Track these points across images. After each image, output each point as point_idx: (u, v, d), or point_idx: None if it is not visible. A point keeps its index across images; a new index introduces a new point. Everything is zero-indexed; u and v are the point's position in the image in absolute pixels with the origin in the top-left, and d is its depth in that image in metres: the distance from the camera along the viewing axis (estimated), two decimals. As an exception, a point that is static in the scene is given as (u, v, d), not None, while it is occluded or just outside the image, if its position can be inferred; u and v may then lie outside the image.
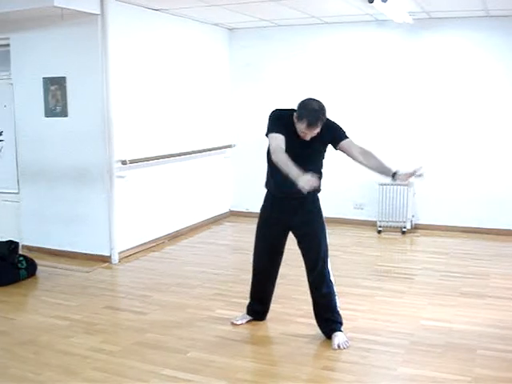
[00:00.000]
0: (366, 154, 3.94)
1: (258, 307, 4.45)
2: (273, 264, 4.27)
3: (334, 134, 3.96)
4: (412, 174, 3.87)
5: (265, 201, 4.19)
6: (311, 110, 3.75)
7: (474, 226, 7.35)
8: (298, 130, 3.82)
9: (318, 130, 3.80)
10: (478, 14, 6.81)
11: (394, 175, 3.88)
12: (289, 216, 4.04)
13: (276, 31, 7.86)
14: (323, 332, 4.12)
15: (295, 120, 3.83)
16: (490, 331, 4.23)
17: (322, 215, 4.06)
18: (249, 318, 4.47)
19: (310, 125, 3.74)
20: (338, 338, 4.01)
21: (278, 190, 4.05)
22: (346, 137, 3.97)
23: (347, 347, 3.97)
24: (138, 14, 6.45)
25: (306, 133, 3.81)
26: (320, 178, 3.95)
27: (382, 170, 3.94)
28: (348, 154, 3.97)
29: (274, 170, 3.90)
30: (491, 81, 7.15)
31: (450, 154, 7.44)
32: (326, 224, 4.08)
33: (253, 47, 8.15)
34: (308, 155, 3.88)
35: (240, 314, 4.51)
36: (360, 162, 3.94)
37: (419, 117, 7.51)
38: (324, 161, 4.10)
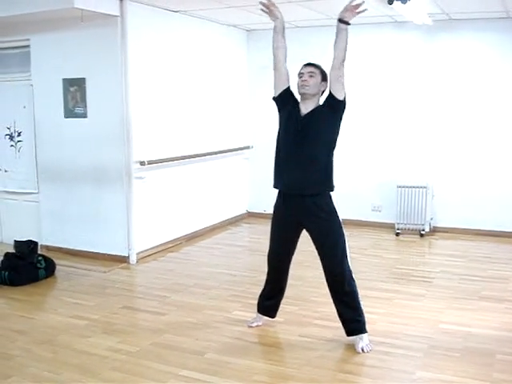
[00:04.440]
0: (336, 56, 3.89)
1: (268, 302, 4.41)
2: (285, 259, 4.24)
3: (325, 101, 3.98)
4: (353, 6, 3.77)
5: (277, 199, 4.17)
6: None
7: (493, 230, 7.29)
8: (298, 84, 3.99)
9: (312, 68, 4.00)
10: (498, 15, 6.75)
11: (341, 20, 3.82)
12: (301, 215, 4.01)
13: (294, 33, 7.83)
14: (347, 331, 4.07)
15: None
16: (509, 336, 4.19)
17: (336, 213, 3.98)
18: (262, 317, 4.45)
19: (305, 64, 4.04)
20: (362, 340, 3.99)
21: (283, 183, 4.06)
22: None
23: (370, 350, 3.95)
24: (157, 15, 6.48)
25: (302, 73, 3.99)
26: (331, 170, 3.99)
27: (338, 36, 3.87)
28: (338, 77, 3.86)
29: (278, 162, 4.06)
30: (512, 83, 7.09)
31: (469, 157, 7.38)
32: (342, 222, 4.01)
33: (271, 48, 8.13)
34: (313, 132, 3.91)
35: (255, 316, 4.50)
36: (341, 63, 3.86)
37: (438, 119, 7.46)
38: (333, 154, 4.02)
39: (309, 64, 4.05)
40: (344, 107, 3.95)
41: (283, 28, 4.10)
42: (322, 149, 3.94)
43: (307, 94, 3.97)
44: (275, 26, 4.10)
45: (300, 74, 4.01)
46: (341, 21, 3.84)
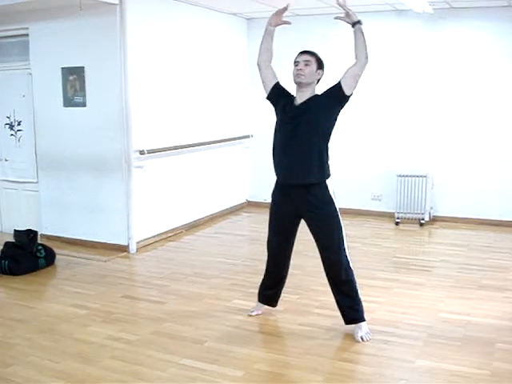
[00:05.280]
0: (356, 56, 3.91)
1: (268, 291, 4.41)
2: (284, 249, 4.24)
3: (329, 91, 3.96)
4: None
5: (274, 187, 4.17)
6: None
7: (493, 219, 7.29)
8: (293, 73, 3.97)
9: (308, 56, 3.98)
10: (499, 3, 6.72)
11: (353, 25, 3.91)
12: (297, 204, 4.00)
13: (295, 21, 7.77)
14: (345, 320, 4.08)
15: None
16: (509, 325, 4.20)
17: (332, 202, 3.96)
18: (263, 306, 4.46)
19: (300, 52, 4.03)
20: (361, 329, 3.99)
21: (279, 173, 4.06)
22: (339, 80, 3.93)
23: (369, 339, 3.96)
24: (156, 3, 6.45)
25: (298, 61, 3.98)
26: (324, 159, 3.95)
27: (356, 41, 3.91)
28: (355, 75, 3.87)
29: (274, 152, 4.07)
30: (513, 71, 7.07)
31: (469, 146, 7.37)
32: (339, 211, 3.99)
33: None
34: (306, 121, 3.90)
35: (255, 305, 4.51)
36: (364, 63, 3.89)
37: (438, 108, 7.45)
38: (329, 142, 4.00)
39: (304, 52, 4.03)
40: (346, 102, 3.94)
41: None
42: (317, 138, 3.92)
43: (302, 82, 3.95)
44: (270, 31, 4.18)
45: (296, 63, 3.98)
46: (352, 25, 3.90)
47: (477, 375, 3.45)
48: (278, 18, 4.16)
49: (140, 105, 6.23)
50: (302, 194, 3.96)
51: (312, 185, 3.94)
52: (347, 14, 3.89)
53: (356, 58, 3.88)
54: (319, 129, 3.92)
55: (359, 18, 3.88)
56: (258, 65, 4.22)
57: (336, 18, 3.96)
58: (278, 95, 4.12)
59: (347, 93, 3.88)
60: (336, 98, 3.91)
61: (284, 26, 4.20)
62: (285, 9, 4.11)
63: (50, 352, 3.82)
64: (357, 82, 3.88)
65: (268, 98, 4.18)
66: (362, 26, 3.87)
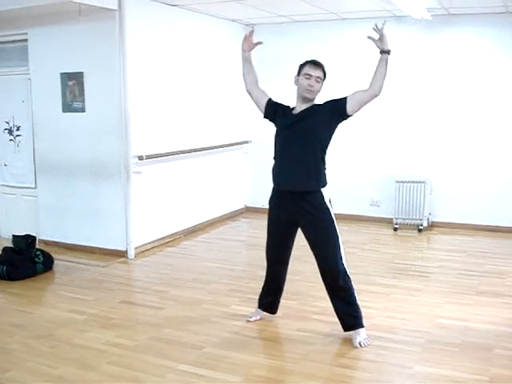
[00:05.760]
0: (370, 84, 3.89)
1: (268, 299, 4.42)
2: (282, 255, 4.25)
3: (332, 103, 3.96)
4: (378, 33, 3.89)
5: (271, 194, 4.18)
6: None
7: (491, 225, 7.30)
8: (302, 85, 3.93)
9: (320, 72, 3.94)
10: (497, 10, 6.74)
11: (381, 52, 3.90)
12: (293, 211, 4.00)
13: (293, 27, 7.83)
14: (343, 327, 4.07)
15: (296, 79, 4.01)
16: (507, 330, 4.20)
17: (328, 210, 3.96)
18: (261, 312, 4.46)
19: (312, 63, 3.96)
20: (360, 335, 3.98)
21: (276, 180, 4.08)
22: (345, 97, 3.93)
23: (367, 345, 3.95)
24: (155, 9, 6.46)
25: (310, 75, 3.93)
26: (320, 168, 3.96)
27: (377, 69, 3.90)
28: (362, 102, 3.89)
29: (275, 160, 4.08)
30: (511, 77, 7.07)
31: (467, 152, 7.38)
32: (335, 219, 3.98)
33: (270, 43, 8.08)
34: (303, 129, 3.92)
35: (254, 311, 4.51)
36: (375, 94, 3.87)
37: (437, 114, 7.46)
38: (327, 151, 4.02)
39: (317, 65, 3.97)
40: (345, 120, 3.95)
41: None
42: (313, 146, 3.92)
43: (310, 98, 3.96)
44: (246, 56, 4.29)
45: (307, 75, 3.93)
46: (380, 52, 3.90)
47: (475, 381, 3.44)
48: (249, 43, 4.26)
49: (139, 110, 6.24)
50: (297, 202, 3.96)
51: (307, 192, 3.94)
52: (381, 40, 3.86)
53: (370, 85, 3.86)
54: (316, 137, 3.93)
55: (390, 48, 3.85)
56: (247, 91, 4.31)
57: (369, 37, 3.93)
58: (273, 110, 4.17)
59: (349, 113, 3.90)
60: (337, 113, 3.92)
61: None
62: (251, 32, 4.23)
63: (47, 357, 3.82)
64: (361, 107, 3.90)
65: (265, 116, 4.24)
66: (389, 57, 3.85)
